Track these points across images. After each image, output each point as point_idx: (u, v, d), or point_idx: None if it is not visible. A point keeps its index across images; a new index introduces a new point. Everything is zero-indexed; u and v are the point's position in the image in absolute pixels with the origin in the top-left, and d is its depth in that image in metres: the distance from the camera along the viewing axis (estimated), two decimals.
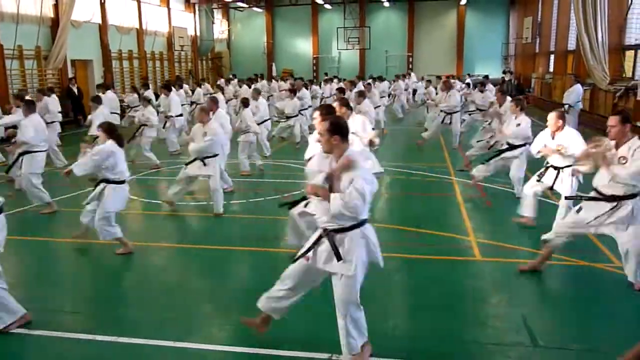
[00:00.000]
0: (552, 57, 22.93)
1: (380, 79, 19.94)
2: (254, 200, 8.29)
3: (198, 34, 29.40)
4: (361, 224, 3.58)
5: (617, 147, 4.78)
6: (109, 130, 5.95)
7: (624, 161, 4.69)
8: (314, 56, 32.64)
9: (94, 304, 4.93)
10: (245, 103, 10.26)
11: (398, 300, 4.98)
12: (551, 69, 22.92)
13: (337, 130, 3.52)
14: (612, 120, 4.73)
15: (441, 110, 12.53)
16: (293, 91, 13.31)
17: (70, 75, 18.47)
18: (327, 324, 4.32)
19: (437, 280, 5.26)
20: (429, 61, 30.55)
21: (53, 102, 11.84)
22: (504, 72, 28.92)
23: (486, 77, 20.45)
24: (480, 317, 4.52)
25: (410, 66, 31.09)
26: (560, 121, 6.07)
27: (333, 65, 31.97)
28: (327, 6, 31.16)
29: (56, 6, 17.38)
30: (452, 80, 17.97)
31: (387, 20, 31.53)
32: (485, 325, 4.36)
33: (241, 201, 8.22)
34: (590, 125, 15.88)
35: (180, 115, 12.53)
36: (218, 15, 32.15)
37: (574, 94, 13.84)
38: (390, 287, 5.21)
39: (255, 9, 32.28)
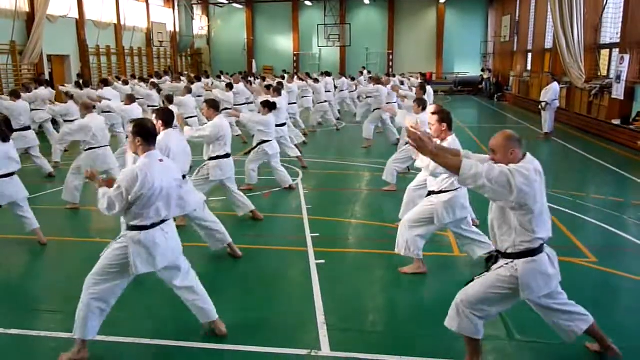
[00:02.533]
0: (529, 55, 23.21)
1: (327, 74, 19.66)
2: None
3: (177, 29, 29.13)
4: (138, 228, 3.69)
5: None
6: None
7: None
8: (295, 53, 32.57)
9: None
10: (169, 100, 10.48)
11: (377, 296, 5.02)
12: (529, 67, 23.21)
13: (140, 133, 3.73)
14: (431, 119, 5.00)
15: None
16: (230, 86, 13.76)
17: (47, 70, 18.18)
18: (307, 320, 4.35)
19: (415, 275, 5.31)
20: (409, 59, 30.73)
21: None
22: (483, 70, 29.23)
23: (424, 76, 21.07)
24: None
25: (391, 64, 31.24)
26: (420, 107, 6.79)
27: (314, 62, 31.94)
28: (308, 3, 31.13)
29: (32, 0, 17.06)
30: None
31: (367, 18, 31.61)
32: None
33: (221, 198, 8.19)
34: (567, 123, 16.17)
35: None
36: (198, 11, 31.89)
37: (551, 92, 14.04)
38: (370, 282, 5.25)
39: (235, 5, 32.10)
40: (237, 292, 5.00)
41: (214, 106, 6.64)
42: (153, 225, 3.72)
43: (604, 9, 15.35)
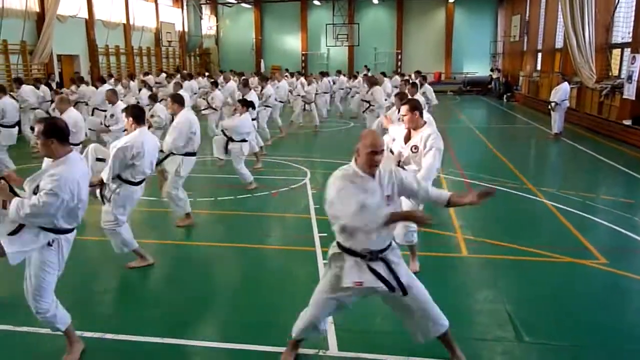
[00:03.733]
0: (539, 55, 23.08)
1: (323, 74, 19.63)
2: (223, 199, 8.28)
3: (186, 29, 29.24)
4: (64, 231, 3.49)
5: (409, 135, 4.90)
6: None
7: (415, 150, 4.81)
8: (303, 52, 32.60)
9: (81, 300, 4.89)
10: (154, 99, 10.80)
11: None
12: (539, 67, 23.07)
13: (53, 134, 3.33)
14: (403, 110, 4.85)
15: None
16: (215, 84, 13.90)
17: (57, 70, 18.30)
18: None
19: (423, 276, 5.27)
20: (418, 59, 30.62)
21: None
22: (492, 70, 29.10)
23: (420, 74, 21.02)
24: (466, 312, 4.55)
25: (399, 63, 31.18)
26: (402, 101, 6.61)
27: (322, 62, 31.93)
28: (316, 2, 31.14)
29: (42, 0, 17.19)
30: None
31: (376, 17, 31.57)
32: (470, 321, 4.39)
33: (227, 198, 8.21)
34: (577, 123, 16.05)
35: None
36: (206, 10, 32.00)
37: (561, 92, 13.93)
38: None
39: (243, 4, 32.18)
40: (245, 291, 5.00)
41: (178, 101, 6.58)
42: (73, 229, 3.57)
43: (616, 8, 15.23)
